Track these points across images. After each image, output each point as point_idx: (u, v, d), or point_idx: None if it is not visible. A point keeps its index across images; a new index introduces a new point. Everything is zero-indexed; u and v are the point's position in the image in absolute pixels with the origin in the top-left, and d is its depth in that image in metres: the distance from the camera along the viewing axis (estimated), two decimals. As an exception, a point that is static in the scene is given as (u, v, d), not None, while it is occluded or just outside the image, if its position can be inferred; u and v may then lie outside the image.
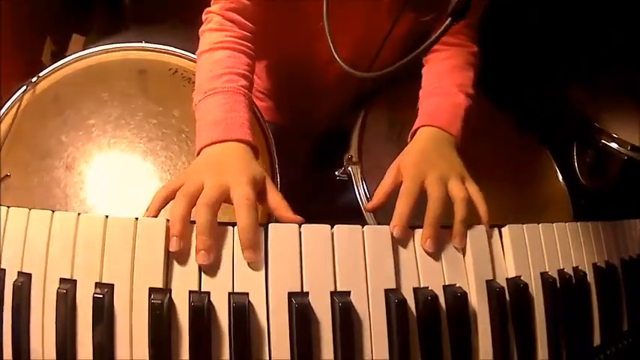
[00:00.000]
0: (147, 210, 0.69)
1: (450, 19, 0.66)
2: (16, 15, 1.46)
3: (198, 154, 0.79)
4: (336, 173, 1.02)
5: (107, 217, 0.61)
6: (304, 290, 0.62)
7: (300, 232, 0.64)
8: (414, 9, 1.03)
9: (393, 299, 0.63)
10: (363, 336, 0.62)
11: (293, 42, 1.09)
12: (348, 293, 0.63)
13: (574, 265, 0.80)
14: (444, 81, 1.04)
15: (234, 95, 0.84)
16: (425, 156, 0.86)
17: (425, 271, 0.69)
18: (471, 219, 0.76)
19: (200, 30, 0.95)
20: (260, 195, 0.73)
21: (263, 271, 0.62)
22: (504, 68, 1.13)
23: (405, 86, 1.16)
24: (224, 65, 0.87)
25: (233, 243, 0.63)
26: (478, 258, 0.72)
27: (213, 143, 0.78)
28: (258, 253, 0.63)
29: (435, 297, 0.66)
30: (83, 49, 1.08)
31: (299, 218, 0.69)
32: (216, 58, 0.89)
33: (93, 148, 0.92)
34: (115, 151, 0.92)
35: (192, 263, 0.61)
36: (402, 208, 0.75)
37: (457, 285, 0.69)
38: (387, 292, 0.65)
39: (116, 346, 0.56)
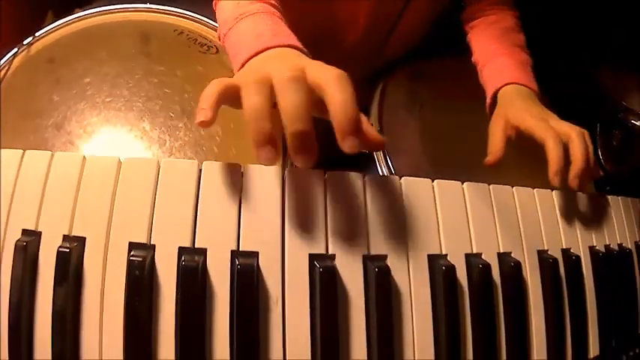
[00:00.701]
0: (199, 113, 0.50)
1: None
2: None
3: (242, 65, 0.64)
4: None
5: (85, 157, 0.50)
6: (329, 253, 0.50)
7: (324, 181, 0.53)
8: None
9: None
10: (402, 306, 0.52)
11: (312, 3, 0.99)
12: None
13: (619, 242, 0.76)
14: (502, 42, 1.00)
15: (267, 15, 0.71)
16: (530, 107, 0.84)
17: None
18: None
19: None
20: None
21: (279, 226, 0.50)
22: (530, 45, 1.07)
23: (426, 62, 1.16)
24: None
25: (240, 188, 0.51)
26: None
27: (259, 52, 0.63)
28: (358, 144, 0.47)
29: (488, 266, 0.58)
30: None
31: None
32: None
33: (86, 107, 0.81)
34: (109, 110, 0.81)
35: (185, 214, 0.49)
36: (556, 150, 0.72)
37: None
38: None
39: (83, 315, 0.45)
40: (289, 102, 0.47)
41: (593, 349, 0.66)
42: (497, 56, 0.98)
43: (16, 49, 0.91)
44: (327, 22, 1.04)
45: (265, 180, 0.51)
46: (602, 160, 1.40)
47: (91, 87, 0.84)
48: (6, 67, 0.88)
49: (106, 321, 0.45)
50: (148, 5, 0.99)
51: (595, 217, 0.74)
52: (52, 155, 0.50)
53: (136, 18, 0.98)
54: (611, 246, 0.73)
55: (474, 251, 0.58)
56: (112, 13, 0.98)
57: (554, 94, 1.32)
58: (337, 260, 0.50)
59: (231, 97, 0.52)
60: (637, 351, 0.70)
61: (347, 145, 0.47)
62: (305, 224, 0.50)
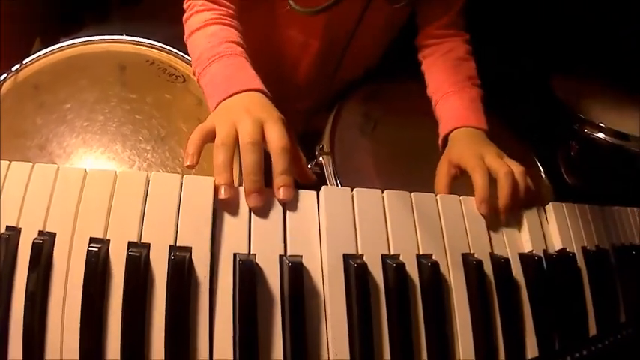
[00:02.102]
0: (186, 157, 0.67)
1: None
2: (6, 14, 1.47)
3: (215, 107, 0.79)
4: (309, 166, 1.01)
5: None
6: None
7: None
8: None
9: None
10: (316, 304, 0.61)
11: (267, 30, 1.10)
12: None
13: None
14: (453, 77, 1.07)
15: (237, 57, 0.85)
16: (472, 145, 0.91)
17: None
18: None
19: (184, 17, 0.97)
20: None
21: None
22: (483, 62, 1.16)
23: (380, 83, 1.21)
24: (220, 36, 0.89)
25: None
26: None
27: (231, 95, 0.78)
28: (292, 192, 0.65)
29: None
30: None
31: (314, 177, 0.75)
32: (211, 32, 0.90)
33: (66, 130, 0.92)
34: (87, 133, 0.92)
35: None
36: (480, 181, 0.80)
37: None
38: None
39: (50, 295, 0.55)
40: (248, 161, 0.65)
41: (531, 350, 0.70)
42: (448, 95, 1.05)
43: (5, 75, 1.01)
44: (282, 49, 1.14)
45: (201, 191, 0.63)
46: (564, 173, 1.47)
47: (71, 112, 0.94)
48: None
49: (68, 299, 0.55)
50: (125, 37, 1.09)
51: (530, 224, 0.79)
52: (58, 168, 0.61)
53: (113, 49, 1.08)
54: (549, 251, 0.78)
55: (392, 253, 0.66)
56: (93, 43, 1.08)
57: (513, 109, 1.40)
58: (258, 258, 0.60)
59: (210, 139, 0.69)
60: (584, 353, 0.74)
61: (284, 195, 0.65)
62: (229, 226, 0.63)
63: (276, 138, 0.67)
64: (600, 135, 1.38)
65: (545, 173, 1.23)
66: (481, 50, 1.15)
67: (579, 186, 1.46)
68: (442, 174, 0.91)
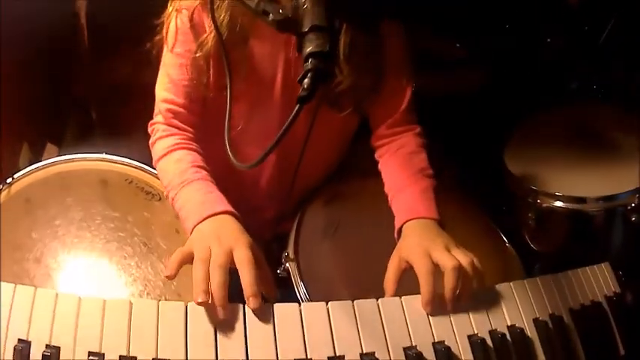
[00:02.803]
0: (167, 270, 0.85)
1: (298, 105, 0.75)
2: None
3: (191, 232, 0.94)
4: (277, 271, 1.11)
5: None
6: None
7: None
8: (329, 106, 1.16)
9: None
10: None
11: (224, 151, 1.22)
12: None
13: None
14: (406, 172, 1.15)
15: (205, 181, 1.02)
16: (422, 240, 0.97)
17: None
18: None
19: (150, 142, 1.12)
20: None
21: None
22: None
23: (340, 185, 1.31)
24: (186, 161, 1.05)
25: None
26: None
27: (204, 219, 0.93)
28: (260, 301, 0.79)
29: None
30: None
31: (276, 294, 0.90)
32: (177, 158, 1.06)
33: (58, 246, 1.06)
34: (77, 249, 1.06)
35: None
36: (426, 287, 0.87)
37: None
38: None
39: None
40: (216, 283, 0.79)
41: None
42: (401, 190, 1.11)
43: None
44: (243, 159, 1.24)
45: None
46: (529, 240, 1.55)
47: (61, 228, 1.08)
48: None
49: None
50: (104, 155, 1.24)
51: (479, 307, 0.89)
52: (57, 295, 0.75)
53: (94, 167, 1.23)
54: (498, 330, 0.86)
55: (337, 355, 0.78)
56: (76, 161, 1.23)
57: (473, 188, 1.50)
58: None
59: (188, 261, 0.85)
60: None
61: (252, 304, 0.79)
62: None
63: (244, 261, 0.83)
64: (558, 203, 1.46)
65: (509, 242, 1.30)
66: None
67: (545, 250, 1.54)
68: (392, 268, 0.96)
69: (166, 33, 1.15)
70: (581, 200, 1.44)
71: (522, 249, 1.34)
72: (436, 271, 0.90)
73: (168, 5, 1.15)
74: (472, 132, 1.80)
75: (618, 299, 1.05)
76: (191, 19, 1.11)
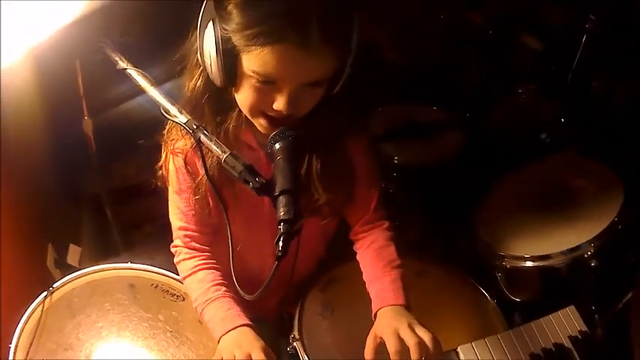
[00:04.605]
0: None
1: (276, 262, 0.97)
2: (18, 221, 1.67)
3: (219, 341, 1.19)
4: (287, 349, 1.32)
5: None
6: None
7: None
8: (313, 214, 1.32)
9: None
10: None
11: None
12: None
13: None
14: (377, 264, 1.34)
15: (224, 299, 1.26)
16: (391, 321, 1.20)
17: None
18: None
19: (175, 261, 1.36)
20: None
21: None
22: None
23: (331, 272, 1.53)
24: (207, 281, 1.29)
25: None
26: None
27: (227, 332, 1.19)
28: None
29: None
30: (82, 263, 1.50)
31: None
32: (200, 278, 1.30)
33: (104, 344, 1.26)
34: (120, 346, 1.26)
35: None
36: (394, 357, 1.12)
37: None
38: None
39: None
40: None
41: None
42: (374, 280, 1.32)
43: (45, 294, 1.30)
44: (247, 269, 1.43)
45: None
46: (508, 293, 1.68)
47: (104, 329, 1.28)
48: (39, 308, 1.28)
49: None
50: (130, 265, 1.42)
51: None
52: None
53: (123, 274, 1.41)
54: None
55: None
56: (105, 271, 1.40)
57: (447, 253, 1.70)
58: None
59: None
60: None
61: None
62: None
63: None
64: (527, 263, 1.60)
65: (490, 297, 1.48)
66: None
67: (524, 299, 1.68)
68: (370, 343, 1.19)
69: (167, 174, 1.34)
70: (547, 257, 1.58)
71: (503, 300, 1.54)
72: (403, 347, 1.12)
73: (162, 150, 1.33)
74: (449, 197, 2.03)
75: (584, 337, 1.25)
76: (185, 163, 1.30)
